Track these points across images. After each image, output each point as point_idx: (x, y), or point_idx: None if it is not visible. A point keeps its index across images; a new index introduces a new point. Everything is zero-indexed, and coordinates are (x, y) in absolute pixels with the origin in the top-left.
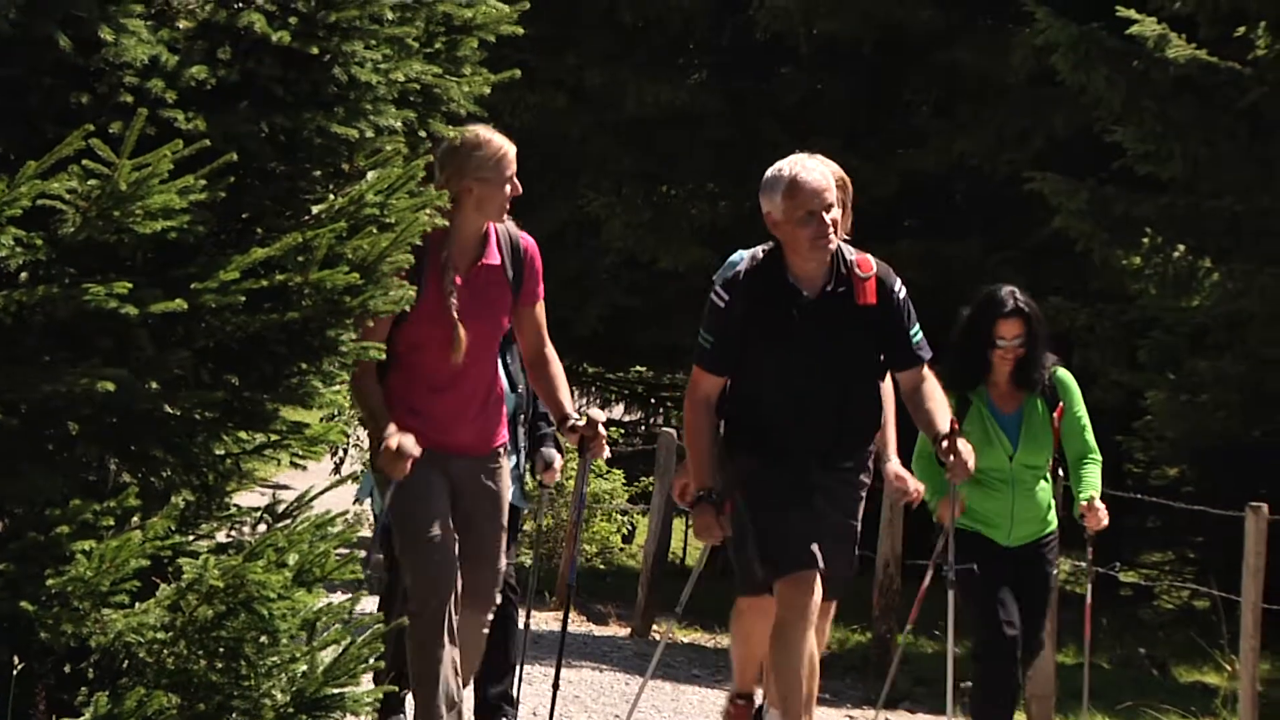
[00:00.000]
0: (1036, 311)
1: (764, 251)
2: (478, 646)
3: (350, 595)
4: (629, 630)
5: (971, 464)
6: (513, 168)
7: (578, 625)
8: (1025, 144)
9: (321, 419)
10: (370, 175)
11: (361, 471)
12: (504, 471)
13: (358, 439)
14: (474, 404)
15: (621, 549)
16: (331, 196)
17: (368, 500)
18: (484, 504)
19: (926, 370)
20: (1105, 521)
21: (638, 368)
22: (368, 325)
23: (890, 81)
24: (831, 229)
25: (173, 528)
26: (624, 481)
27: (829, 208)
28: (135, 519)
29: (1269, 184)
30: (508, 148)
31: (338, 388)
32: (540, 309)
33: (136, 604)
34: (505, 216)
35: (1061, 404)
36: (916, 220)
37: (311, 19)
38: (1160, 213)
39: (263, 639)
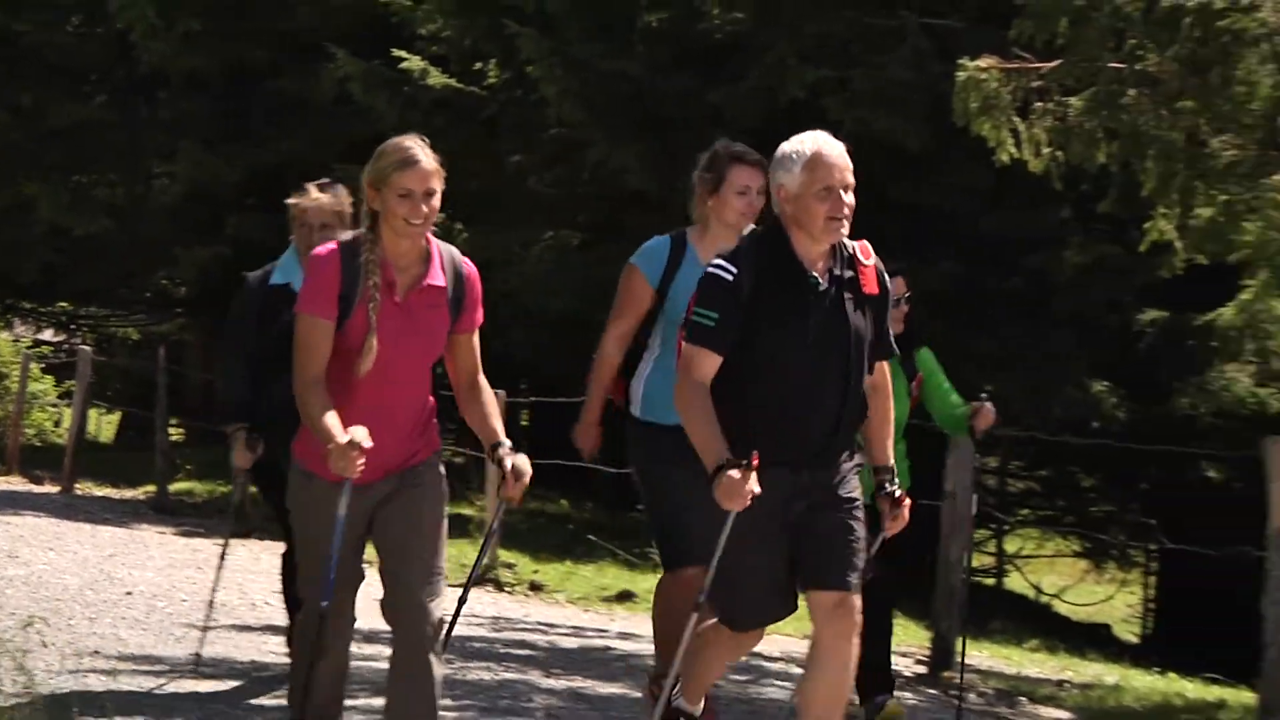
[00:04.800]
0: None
1: (764, 230)
2: (425, 692)
3: None
4: (59, 488)
5: (905, 521)
6: (419, 185)
7: (22, 485)
8: (334, 144)
9: None
10: None
11: None
12: (435, 474)
13: None
14: (404, 426)
15: (53, 431)
16: None
17: None
18: (409, 505)
19: (886, 367)
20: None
21: (61, 303)
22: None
23: (238, 101)
24: (849, 211)
25: None
26: (55, 383)
27: (847, 188)
28: None
29: (498, 170)
30: (408, 156)
31: None
32: (475, 337)
33: None
34: (429, 235)
35: (920, 374)
36: (262, 199)
37: None
38: None
39: None
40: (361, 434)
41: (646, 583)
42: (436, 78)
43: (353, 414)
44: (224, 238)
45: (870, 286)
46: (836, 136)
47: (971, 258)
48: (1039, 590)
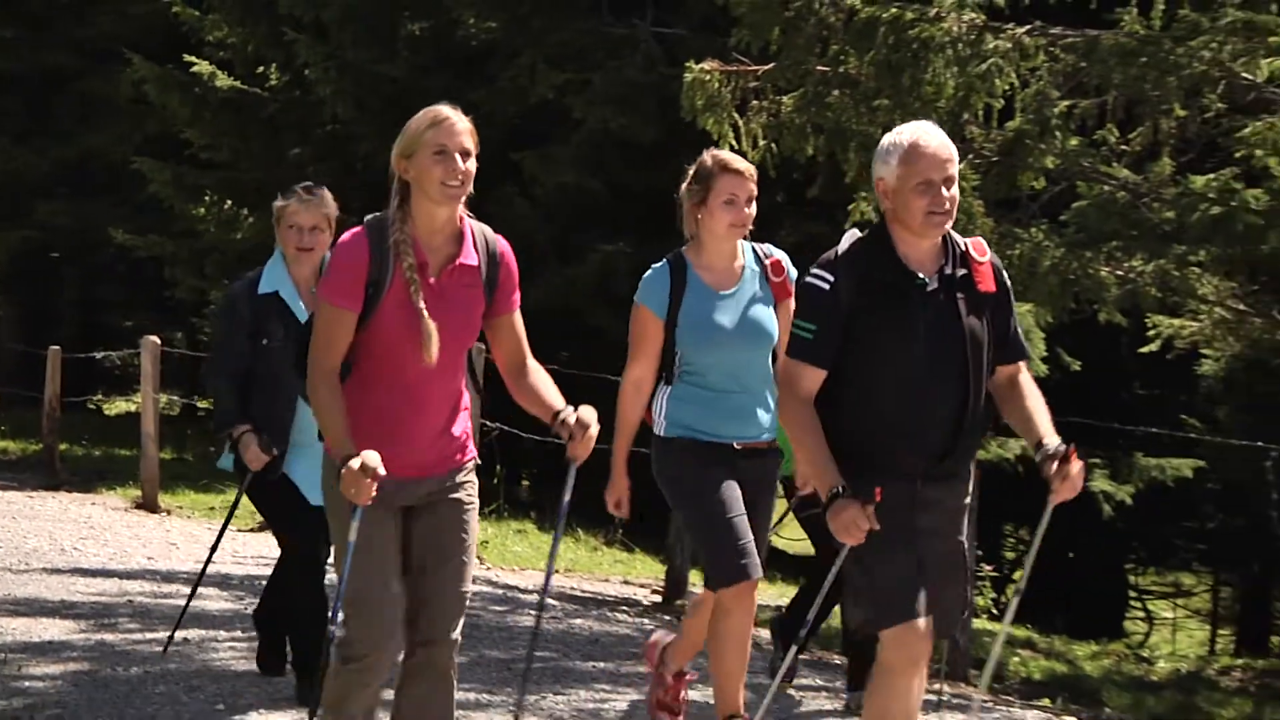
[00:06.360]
0: None
1: (866, 230)
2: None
3: None
4: None
5: (1079, 486)
6: (452, 141)
7: None
8: (128, 140)
9: None
10: None
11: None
12: (473, 489)
13: None
14: (438, 419)
15: None
16: None
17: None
18: (448, 527)
19: (1024, 365)
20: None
21: None
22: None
23: (46, 100)
24: (951, 205)
25: None
26: None
27: (949, 181)
28: None
29: (280, 163)
30: (442, 119)
31: None
32: (518, 318)
33: None
34: (462, 208)
35: None
36: (68, 188)
37: None
38: (217, 181)
39: None
40: (374, 460)
41: None
42: (223, 80)
43: (385, 406)
44: (33, 222)
45: (986, 284)
46: (579, 132)
47: None
48: None
